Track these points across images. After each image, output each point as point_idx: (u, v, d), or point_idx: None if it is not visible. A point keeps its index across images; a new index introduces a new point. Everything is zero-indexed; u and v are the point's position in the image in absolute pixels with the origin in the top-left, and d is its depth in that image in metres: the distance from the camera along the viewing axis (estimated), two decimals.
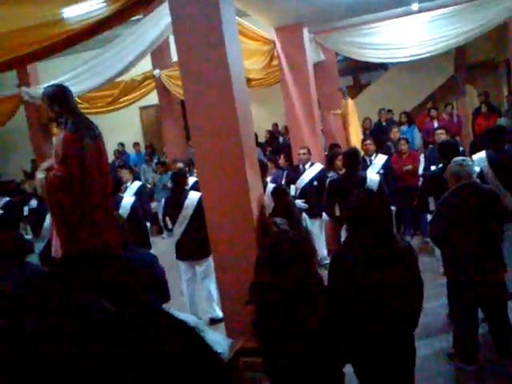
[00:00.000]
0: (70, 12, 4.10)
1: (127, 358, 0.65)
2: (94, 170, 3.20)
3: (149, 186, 9.43)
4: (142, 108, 12.60)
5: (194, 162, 5.56)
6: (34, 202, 7.04)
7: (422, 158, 7.08)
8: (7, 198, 7.98)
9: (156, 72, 8.94)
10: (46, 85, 7.86)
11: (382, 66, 12.28)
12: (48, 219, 5.60)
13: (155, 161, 10.91)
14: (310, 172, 6.42)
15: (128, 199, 5.29)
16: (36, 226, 5.83)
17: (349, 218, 2.83)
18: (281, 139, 11.87)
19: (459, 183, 3.64)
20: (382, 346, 2.58)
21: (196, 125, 3.91)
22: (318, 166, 6.51)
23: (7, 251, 3.63)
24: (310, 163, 6.50)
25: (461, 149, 5.49)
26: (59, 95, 3.27)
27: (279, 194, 4.54)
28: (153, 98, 9.84)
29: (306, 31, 7.06)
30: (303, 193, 6.29)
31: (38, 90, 8.15)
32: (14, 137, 11.62)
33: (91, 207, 3.16)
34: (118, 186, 5.38)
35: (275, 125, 12.38)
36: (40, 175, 3.16)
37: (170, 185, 7.77)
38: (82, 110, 4.10)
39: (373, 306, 2.55)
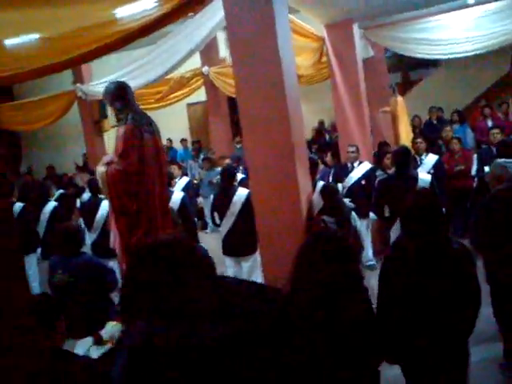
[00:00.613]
0: (122, 12, 4.20)
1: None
2: (152, 164, 3.28)
3: (195, 181, 9.55)
4: (190, 105, 12.75)
5: (242, 158, 5.59)
6: (86, 195, 7.27)
7: (474, 158, 6.85)
8: (61, 191, 8.27)
9: (205, 69, 9.07)
10: (98, 82, 8.14)
11: (432, 63, 11.93)
12: (100, 212, 5.77)
13: (201, 157, 11.04)
14: (359, 171, 6.32)
15: (177, 194, 5.38)
16: (88, 218, 6.01)
17: (404, 218, 2.77)
18: (327, 137, 11.75)
19: (501, 186, 3.53)
20: (435, 351, 2.52)
21: (247, 122, 3.93)
22: (367, 165, 6.40)
23: (64, 242, 3.79)
24: (358, 162, 6.41)
25: None
26: (120, 92, 3.36)
27: (329, 191, 4.49)
28: (200, 95, 9.97)
29: (356, 27, 6.96)
30: (350, 192, 6.20)
31: (91, 86, 8.43)
32: (68, 131, 12.02)
33: (149, 200, 3.24)
34: (169, 181, 5.48)
35: (321, 122, 12.26)
36: (101, 169, 3.28)
37: (215, 181, 7.86)
38: None
39: (426, 310, 2.49)
